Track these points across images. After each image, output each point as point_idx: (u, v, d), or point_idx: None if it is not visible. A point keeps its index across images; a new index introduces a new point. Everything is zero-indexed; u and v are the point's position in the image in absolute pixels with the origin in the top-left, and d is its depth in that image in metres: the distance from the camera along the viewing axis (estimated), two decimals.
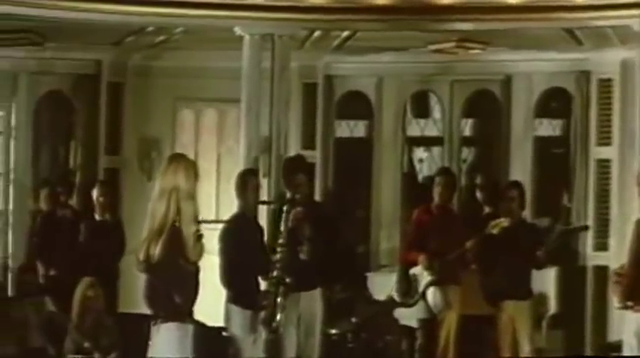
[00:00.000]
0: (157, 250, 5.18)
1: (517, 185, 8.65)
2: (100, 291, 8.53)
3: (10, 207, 10.76)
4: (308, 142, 10.89)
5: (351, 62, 11.03)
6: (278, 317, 7.23)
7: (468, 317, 8.45)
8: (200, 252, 5.26)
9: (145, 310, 9.48)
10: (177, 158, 5.48)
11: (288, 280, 7.22)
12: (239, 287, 7.40)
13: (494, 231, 8.16)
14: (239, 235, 7.49)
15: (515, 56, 10.69)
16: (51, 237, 9.86)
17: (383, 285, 8.98)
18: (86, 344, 8.41)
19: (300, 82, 10.89)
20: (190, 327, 5.28)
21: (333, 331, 8.02)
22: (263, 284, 7.50)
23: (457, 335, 8.40)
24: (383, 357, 8.22)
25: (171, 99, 10.95)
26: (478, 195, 9.46)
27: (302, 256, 7.53)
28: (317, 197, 10.07)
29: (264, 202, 7.94)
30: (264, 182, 9.06)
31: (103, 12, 9.09)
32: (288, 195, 7.78)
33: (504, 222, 8.18)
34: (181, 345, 5.26)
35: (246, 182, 7.70)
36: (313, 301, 7.74)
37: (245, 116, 9.39)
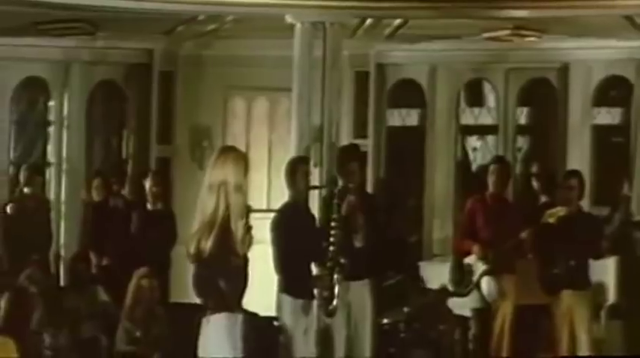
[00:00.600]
0: (207, 245, 5.08)
1: (576, 174, 8.47)
2: (155, 282, 8.52)
3: (63, 196, 10.81)
4: (360, 131, 10.81)
5: (404, 50, 10.92)
6: (335, 301, 7.20)
7: (523, 306, 8.31)
8: (249, 244, 5.15)
9: (196, 300, 9.51)
10: (226, 151, 5.33)
11: (342, 261, 7.18)
12: (293, 275, 7.35)
13: (552, 220, 8.00)
14: (290, 223, 7.43)
15: (573, 44, 10.49)
16: (103, 226, 9.88)
17: (436, 275, 8.88)
18: (137, 334, 8.40)
19: (352, 70, 10.80)
20: (240, 317, 5.17)
21: (385, 321, 7.92)
22: (315, 272, 7.45)
23: (512, 324, 8.27)
24: (436, 347, 8.11)
25: (222, 88, 10.92)
26: (534, 184, 9.30)
27: (357, 244, 7.47)
28: (369, 185, 9.99)
29: (314, 187, 7.88)
30: (315, 171, 9.01)
31: (154, 1, 9.08)
32: (341, 183, 7.73)
33: (561, 211, 8.02)
34: (231, 336, 5.15)
35: (296, 169, 7.64)
36: (363, 291, 7.66)
37: (296, 105, 9.31)
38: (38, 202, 10.13)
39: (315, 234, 7.46)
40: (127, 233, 9.62)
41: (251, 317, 5.28)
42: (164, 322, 8.47)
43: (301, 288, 7.34)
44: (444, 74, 11.03)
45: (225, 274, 5.12)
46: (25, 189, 9.93)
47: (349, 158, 7.98)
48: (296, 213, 7.52)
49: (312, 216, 7.68)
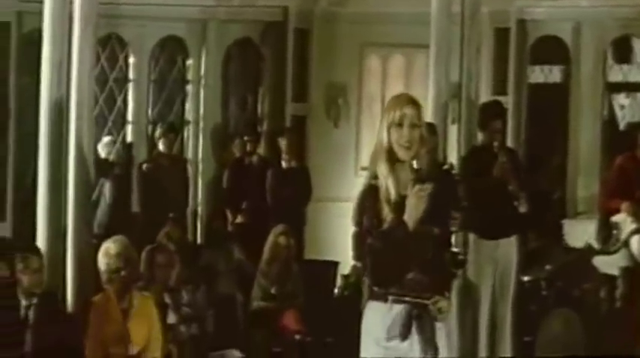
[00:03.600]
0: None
1: None
2: (291, 239, 8.49)
3: (200, 155, 10.86)
4: (499, 88, 10.51)
5: (546, 6, 10.55)
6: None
7: None
8: (415, 217, 4.31)
9: (330, 257, 9.42)
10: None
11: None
12: None
13: None
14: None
15: None
16: (239, 184, 9.91)
17: (580, 233, 8.59)
18: (273, 291, 8.40)
19: (492, 27, 10.49)
20: (397, 309, 4.42)
21: (526, 278, 7.71)
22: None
23: None
24: (579, 305, 7.83)
25: (357, 45, 10.77)
26: None
27: (522, 209, 7.18)
28: (509, 143, 9.74)
29: (442, 164, 7.62)
30: (453, 128, 8.81)
31: None
32: (482, 140, 7.54)
33: None
34: (384, 331, 4.45)
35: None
36: (510, 248, 7.44)
37: (434, 61, 9.07)
38: (174, 161, 10.21)
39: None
40: (262, 191, 9.62)
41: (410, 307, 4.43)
42: (299, 279, 8.44)
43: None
44: (589, 30, 10.62)
45: (385, 247, 4.33)
46: (161, 148, 10.02)
47: (492, 115, 7.76)
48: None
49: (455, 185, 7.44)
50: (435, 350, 4.38)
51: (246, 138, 10.17)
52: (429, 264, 4.36)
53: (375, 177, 4.42)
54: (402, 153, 4.35)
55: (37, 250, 7.15)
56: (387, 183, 4.34)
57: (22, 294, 6.82)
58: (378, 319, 4.41)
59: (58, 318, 6.96)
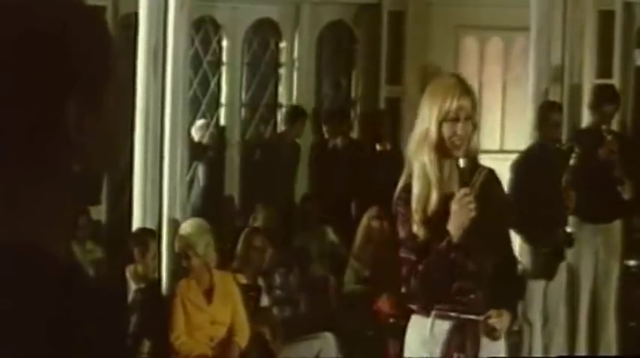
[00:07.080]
0: None
1: None
2: (385, 223, 8.41)
3: None
4: (604, 71, 10.20)
5: None
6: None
7: None
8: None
9: None
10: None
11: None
12: (529, 221, 7.05)
13: None
14: (535, 166, 7.14)
15: None
16: (331, 167, 9.85)
17: None
18: (366, 274, 8.34)
19: (595, 9, 10.18)
20: (430, 323, 4.07)
21: (632, 263, 7.49)
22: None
23: None
24: None
25: (453, 27, 10.59)
26: None
27: (625, 196, 6.97)
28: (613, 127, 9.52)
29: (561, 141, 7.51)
30: None
31: None
32: (590, 122, 7.37)
33: None
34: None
35: (547, 116, 7.38)
36: (614, 232, 7.25)
37: (535, 45, 8.86)
38: (269, 143, 10.22)
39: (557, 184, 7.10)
40: (356, 173, 9.56)
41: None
42: (392, 262, 8.35)
43: (538, 234, 7.02)
44: None
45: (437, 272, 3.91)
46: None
47: (605, 99, 7.60)
48: (543, 157, 7.21)
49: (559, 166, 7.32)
50: None
51: (339, 120, 10.10)
52: (481, 275, 3.87)
53: (411, 175, 3.90)
54: (454, 151, 3.86)
55: (154, 236, 7.18)
56: (431, 185, 3.86)
57: (135, 279, 6.89)
58: (417, 336, 3.93)
59: (155, 302, 7.01)
